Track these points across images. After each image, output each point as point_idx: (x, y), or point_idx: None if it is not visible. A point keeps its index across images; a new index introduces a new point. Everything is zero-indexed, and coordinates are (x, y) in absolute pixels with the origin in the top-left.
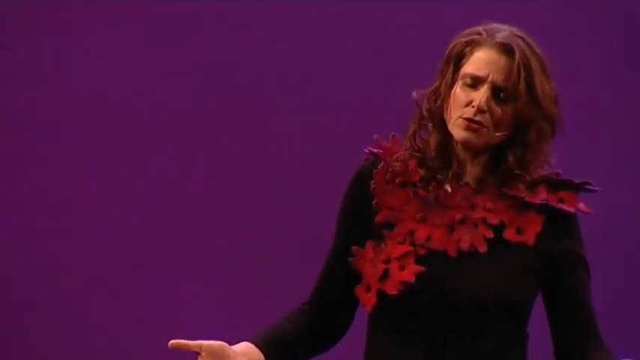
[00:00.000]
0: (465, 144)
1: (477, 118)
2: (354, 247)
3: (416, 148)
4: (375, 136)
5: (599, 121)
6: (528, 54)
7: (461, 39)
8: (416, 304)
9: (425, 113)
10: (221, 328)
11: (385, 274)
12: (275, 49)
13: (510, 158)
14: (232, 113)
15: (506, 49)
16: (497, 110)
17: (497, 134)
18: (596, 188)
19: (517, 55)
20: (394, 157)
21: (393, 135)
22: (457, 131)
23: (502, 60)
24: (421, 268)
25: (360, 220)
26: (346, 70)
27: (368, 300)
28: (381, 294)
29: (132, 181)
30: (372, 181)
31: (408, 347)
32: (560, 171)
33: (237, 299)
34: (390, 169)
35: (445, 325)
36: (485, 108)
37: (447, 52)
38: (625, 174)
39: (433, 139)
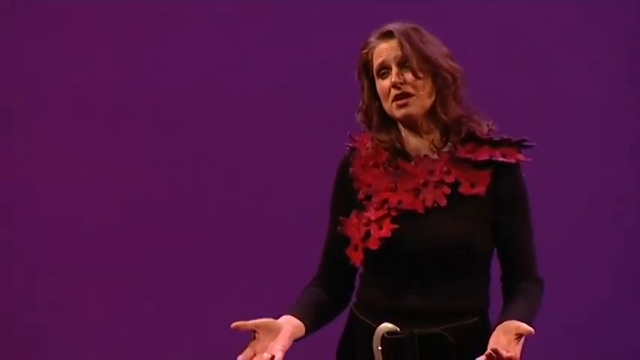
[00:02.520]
0: (408, 118)
1: (401, 91)
2: (340, 218)
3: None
4: (349, 132)
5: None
6: (407, 29)
7: (361, 53)
8: (393, 254)
9: (363, 125)
10: (222, 326)
11: (367, 235)
12: (272, 49)
13: (438, 109)
14: (234, 113)
15: (388, 34)
16: (410, 76)
17: (421, 94)
18: (533, 144)
19: (395, 33)
20: (366, 146)
21: (363, 130)
22: (397, 112)
23: (390, 42)
24: (395, 226)
25: (347, 200)
26: (342, 70)
27: (356, 257)
28: (366, 251)
29: (132, 179)
30: (351, 168)
31: (389, 289)
32: (503, 135)
33: (240, 298)
34: (363, 156)
35: (418, 269)
36: (401, 80)
37: (356, 69)
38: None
39: (384, 139)
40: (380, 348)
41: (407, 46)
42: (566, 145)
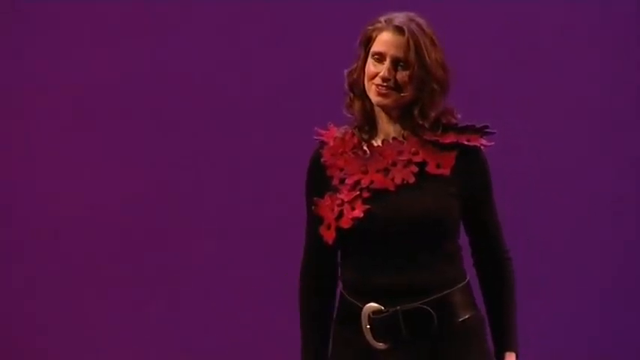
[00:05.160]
0: (380, 106)
1: (384, 84)
2: (315, 198)
3: (351, 115)
4: (315, 128)
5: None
6: (417, 32)
7: (368, 27)
8: (367, 232)
9: (347, 87)
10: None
11: (340, 215)
12: (268, 50)
13: (415, 112)
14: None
15: (399, 30)
16: (398, 76)
17: (402, 95)
18: (494, 130)
19: (406, 34)
20: (334, 136)
21: (330, 123)
22: (372, 96)
23: (397, 39)
24: (367, 206)
25: (322, 191)
26: (342, 70)
27: (329, 235)
28: (339, 229)
29: (132, 179)
30: (322, 158)
31: (367, 269)
32: (467, 123)
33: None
34: (332, 145)
35: (391, 245)
36: (389, 76)
37: (359, 38)
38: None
39: (356, 106)
40: (368, 326)
41: (413, 53)
42: (566, 146)
